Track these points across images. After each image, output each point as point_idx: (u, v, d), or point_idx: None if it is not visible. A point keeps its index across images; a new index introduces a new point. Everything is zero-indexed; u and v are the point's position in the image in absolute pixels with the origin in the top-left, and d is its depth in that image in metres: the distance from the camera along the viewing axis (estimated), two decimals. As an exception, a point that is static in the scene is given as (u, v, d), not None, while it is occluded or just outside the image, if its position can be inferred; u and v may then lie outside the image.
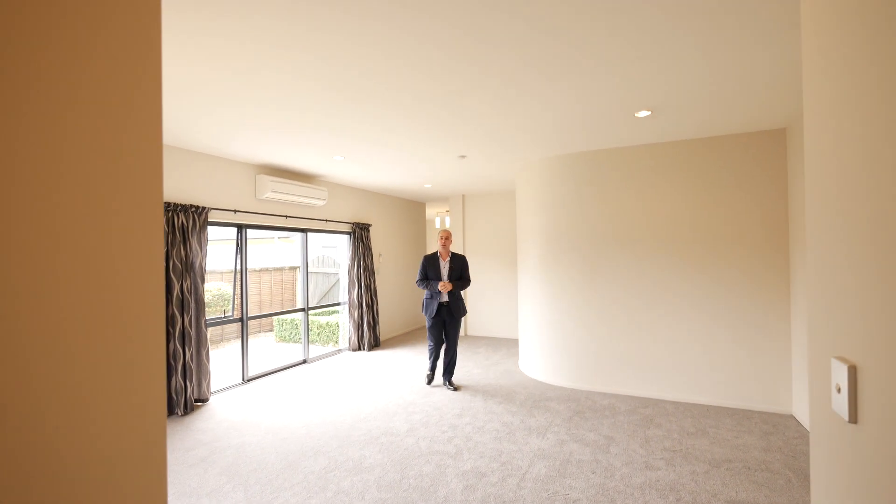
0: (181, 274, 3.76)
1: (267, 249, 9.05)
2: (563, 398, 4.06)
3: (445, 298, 4.29)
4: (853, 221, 0.71)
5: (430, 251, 12.55)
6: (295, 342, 7.39)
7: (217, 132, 3.48)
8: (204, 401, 3.96)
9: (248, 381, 4.64)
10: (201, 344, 3.94)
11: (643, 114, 3.17)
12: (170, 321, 3.69)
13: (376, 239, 6.85)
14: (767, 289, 3.64)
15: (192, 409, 3.79)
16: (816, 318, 0.86)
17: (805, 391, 3.28)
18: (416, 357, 5.73)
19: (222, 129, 3.39)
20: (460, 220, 7.32)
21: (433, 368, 4.54)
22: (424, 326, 8.24)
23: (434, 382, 4.58)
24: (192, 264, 3.89)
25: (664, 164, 4.01)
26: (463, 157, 4.45)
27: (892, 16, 0.59)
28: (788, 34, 2.02)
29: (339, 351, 6.10)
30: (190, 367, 3.78)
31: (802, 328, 3.32)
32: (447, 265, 4.38)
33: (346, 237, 6.26)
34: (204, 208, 4.00)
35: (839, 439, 0.76)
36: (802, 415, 3.35)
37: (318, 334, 6.96)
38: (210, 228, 4.39)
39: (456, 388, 4.32)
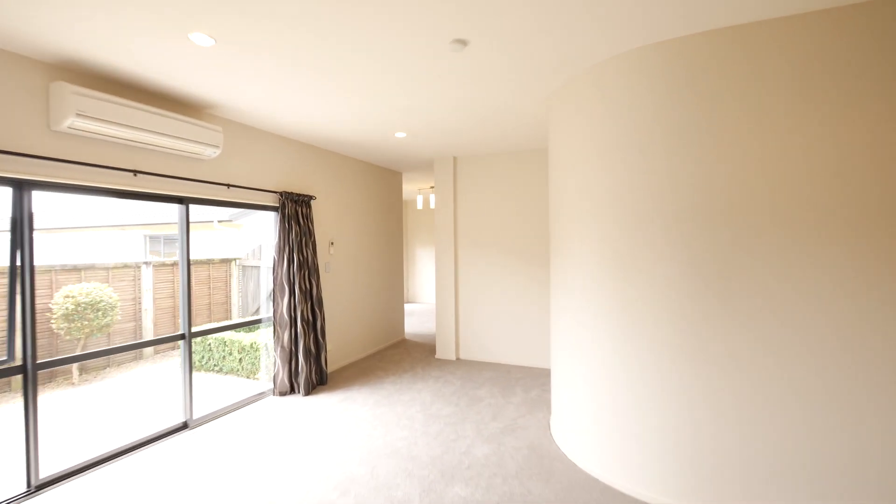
0: None
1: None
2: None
3: None
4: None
5: (414, 240, 9.95)
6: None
7: None
8: None
9: (40, 487, 2.38)
10: None
11: None
12: None
13: (324, 219, 4.60)
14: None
15: None
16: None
17: None
18: (382, 405, 3.50)
19: None
20: (451, 196, 5.07)
21: None
22: (403, 340, 5.91)
23: None
24: None
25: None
26: (461, 42, 2.23)
27: None
28: None
29: (260, 396, 3.84)
30: None
31: None
32: None
33: (272, 216, 4.00)
34: None
35: None
36: None
37: (239, 360, 4.70)
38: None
39: None
